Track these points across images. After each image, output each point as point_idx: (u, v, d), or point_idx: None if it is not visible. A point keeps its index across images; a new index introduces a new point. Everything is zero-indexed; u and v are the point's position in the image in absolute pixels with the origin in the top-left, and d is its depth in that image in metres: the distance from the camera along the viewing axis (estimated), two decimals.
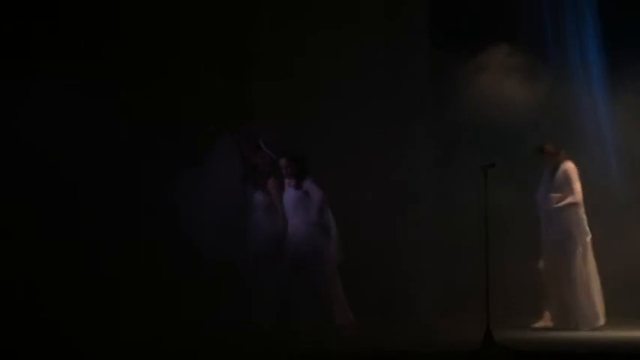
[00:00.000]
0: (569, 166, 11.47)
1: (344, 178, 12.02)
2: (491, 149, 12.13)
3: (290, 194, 10.92)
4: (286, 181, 11.03)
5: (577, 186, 11.37)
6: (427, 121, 13.08)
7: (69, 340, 10.58)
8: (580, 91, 12.92)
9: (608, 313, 11.66)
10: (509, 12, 12.89)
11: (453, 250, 12.60)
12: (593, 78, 12.96)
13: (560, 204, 11.38)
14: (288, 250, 10.90)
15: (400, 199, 12.65)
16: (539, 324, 11.55)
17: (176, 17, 12.83)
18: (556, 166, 11.54)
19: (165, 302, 11.64)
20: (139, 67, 12.70)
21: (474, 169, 10.38)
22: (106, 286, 11.70)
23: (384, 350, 10.16)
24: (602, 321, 11.38)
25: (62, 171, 11.93)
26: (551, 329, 11.36)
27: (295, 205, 10.85)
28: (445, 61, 12.89)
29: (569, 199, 11.36)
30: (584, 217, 11.41)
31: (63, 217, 11.92)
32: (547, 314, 11.57)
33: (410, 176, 12.50)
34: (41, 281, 11.71)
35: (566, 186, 11.39)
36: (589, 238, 11.42)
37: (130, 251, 11.82)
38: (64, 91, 11.83)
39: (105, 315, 11.43)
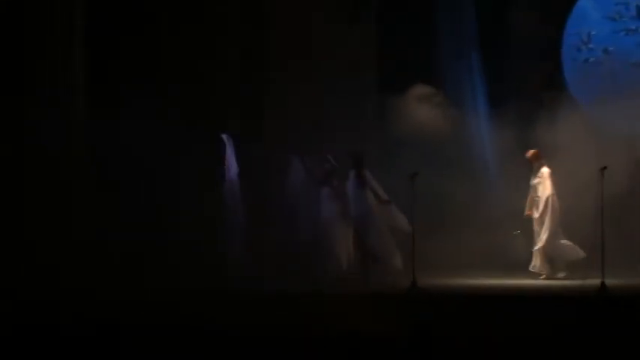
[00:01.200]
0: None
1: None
2: (419, 157, 15.10)
3: (353, 182, 14.43)
4: (350, 172, 14.48)
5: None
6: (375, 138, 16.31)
7: None
8: (473, 120, 16.30)
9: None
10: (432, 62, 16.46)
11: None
12: (480, 111, 16.42)
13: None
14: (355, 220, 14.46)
15: None
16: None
17: None
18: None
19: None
20: None
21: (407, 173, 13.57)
22: None
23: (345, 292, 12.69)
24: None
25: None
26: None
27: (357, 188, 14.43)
28: (389, 96, 15.93)
29: None
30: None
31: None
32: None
33: None
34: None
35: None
36: None
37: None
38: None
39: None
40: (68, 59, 14.21)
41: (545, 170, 14.65)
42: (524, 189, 14.95)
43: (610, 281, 12.60)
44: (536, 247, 14.58)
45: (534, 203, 14.72)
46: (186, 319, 11.44)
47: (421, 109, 15.64)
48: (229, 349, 10.63)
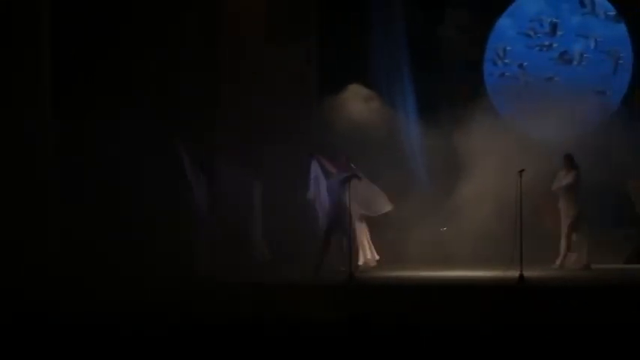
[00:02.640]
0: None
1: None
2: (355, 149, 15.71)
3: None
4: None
5: None
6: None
7: None
8: (406, 126, 17.10)
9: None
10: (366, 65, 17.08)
11: None
12: (410, 112, 17.17)
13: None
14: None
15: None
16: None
17: None
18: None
19: None
20: None
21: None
22: None
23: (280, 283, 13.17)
24: None
25: None
26: None
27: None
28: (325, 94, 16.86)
29: None
30: None
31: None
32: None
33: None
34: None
35: None
36: None
37: None
38: None
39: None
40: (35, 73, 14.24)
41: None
42: (450, 187, 15.84)
43: (528, 273, 13.30)
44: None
45: None
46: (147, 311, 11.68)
47: (358, 113, 16.45)
48: (183, 338, 10.61)
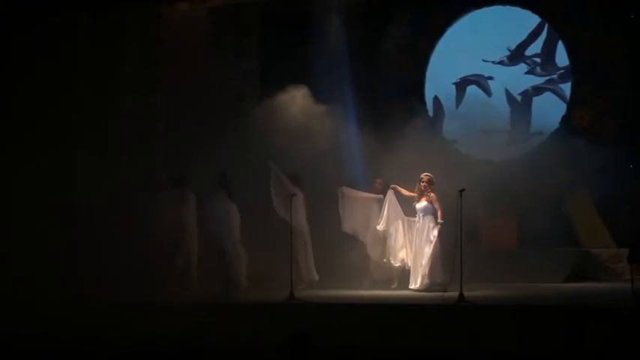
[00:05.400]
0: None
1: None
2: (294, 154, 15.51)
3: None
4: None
5: None
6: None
7: None
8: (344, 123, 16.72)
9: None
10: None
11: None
12: (351, 117, 17.11)
13: None
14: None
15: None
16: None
17: None
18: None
19: None
20: None
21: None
22: None
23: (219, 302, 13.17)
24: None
25: None
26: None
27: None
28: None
29: None
30: None
31: None
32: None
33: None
34: None
35: None
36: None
37: None
38: None
39: None
40: None
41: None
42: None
43: (467, 293, 13.18)
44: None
45: None
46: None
47: (299, 125, 16.04)
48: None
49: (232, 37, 17.84)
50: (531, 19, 18.41)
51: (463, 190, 13.62)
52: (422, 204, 14.89)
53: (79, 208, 15.92)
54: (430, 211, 14.83)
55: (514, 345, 11.05)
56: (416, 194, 15.02)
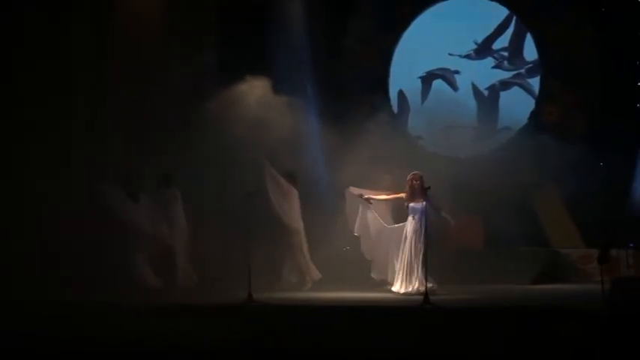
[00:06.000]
0: None
1: None
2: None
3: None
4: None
5: None
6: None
7: None
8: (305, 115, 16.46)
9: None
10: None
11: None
12: (311, 110, 16.95)
13: None
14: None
15: None
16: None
17: None
18: None
19: None
20: None
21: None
22: None
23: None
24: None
25: None
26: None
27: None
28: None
29: None
30: None
31: None
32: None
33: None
34: None
35: None
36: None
37: None
38: None
39: None
40: None
41: None
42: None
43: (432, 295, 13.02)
44: None
45: None
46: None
47: (257, 118, 15.80)
48: None
49: (190, 29, 17.57)
50: (499, 12, 18.37)
51: (428, 187, 13.50)
52: (419, 204, 14.32)
53: (28, 202, 15.52)
54: (424, 212, 14.32)
55: (479, 349, 10.82)
56: (405, 195, 14.50)
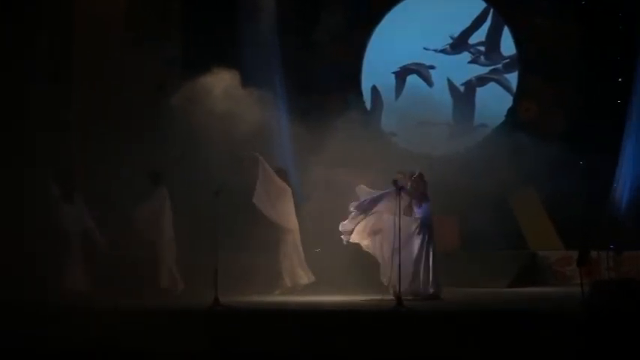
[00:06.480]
0: None
1: None
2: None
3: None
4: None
5: None
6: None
7: None
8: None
9: None
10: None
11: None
12: (281, 104, 16.73)
13: None
14: None
15: None
16: None
17: None
18: None
19: None
20: None
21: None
22: None
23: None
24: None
25: None
26: None
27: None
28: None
29: None
30: None
31: None
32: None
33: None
34: None
35: None
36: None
37: None
38: None
39: None
40: None
41: None
42: (323, 202, 15.13)
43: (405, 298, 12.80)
44: None
45: None
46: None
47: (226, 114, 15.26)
48: None
49: (153, 22, 17.38)
50: (476, 5, 18.29)
51: (402, 187, 13.19)
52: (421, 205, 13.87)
53: None
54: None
55: (454, 354, 10.67)
56: (409, 195, 13.91)
